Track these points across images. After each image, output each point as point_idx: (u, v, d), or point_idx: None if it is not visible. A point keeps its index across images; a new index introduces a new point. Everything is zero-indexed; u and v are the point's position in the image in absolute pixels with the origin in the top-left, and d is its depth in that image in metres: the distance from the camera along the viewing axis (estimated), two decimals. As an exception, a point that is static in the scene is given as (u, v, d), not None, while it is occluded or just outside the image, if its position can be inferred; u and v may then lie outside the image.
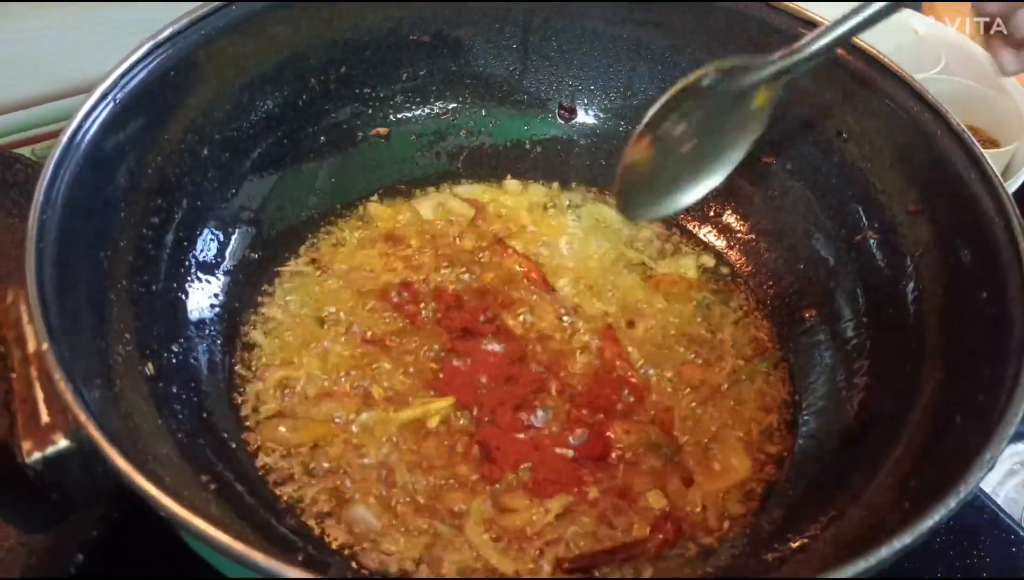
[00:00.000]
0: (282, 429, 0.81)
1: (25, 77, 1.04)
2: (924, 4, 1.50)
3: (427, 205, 1.01)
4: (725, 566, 0.73)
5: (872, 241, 0.87)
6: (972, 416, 0.65)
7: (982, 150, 0.79)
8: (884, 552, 0.53)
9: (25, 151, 1.06)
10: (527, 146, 1.06)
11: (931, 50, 1.34)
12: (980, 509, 0.88)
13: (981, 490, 0.90)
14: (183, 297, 0.84)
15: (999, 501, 0.92)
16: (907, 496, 0.65)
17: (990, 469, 0.58)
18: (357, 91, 0.99)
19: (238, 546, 0.53)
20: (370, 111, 1.01)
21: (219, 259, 0.89)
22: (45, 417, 0.60)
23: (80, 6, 1.02)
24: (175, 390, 0.77)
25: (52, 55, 1.05)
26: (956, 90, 1.24)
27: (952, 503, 0.55)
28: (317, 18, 0.93)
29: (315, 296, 0.92)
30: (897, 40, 0.86)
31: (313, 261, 0.95)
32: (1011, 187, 1.09)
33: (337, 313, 0.90)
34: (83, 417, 0.57)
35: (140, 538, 0.75)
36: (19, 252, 0.65)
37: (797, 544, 0.69)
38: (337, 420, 0.82)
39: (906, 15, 1.38)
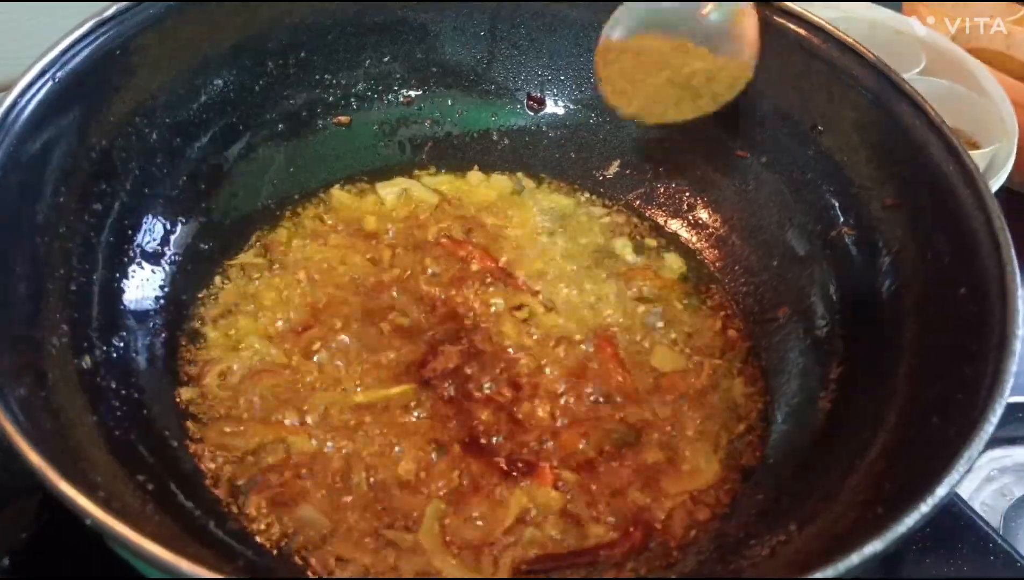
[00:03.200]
0: (227, 430, 0.77)
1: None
2: (905, 5, 1.48)
3: (391, 191, 0.98)
4: (691, 572, 0.70)
5: (848, 237, 0.84)
6: (950, 416, 0.62)
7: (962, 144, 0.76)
8: (855, 559, 0.50)
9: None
10: (494, 137, 1.03)
11: (911, 51, 1.32)
12: (957, 516, 0.85)
13: (958, 496, 0.88)
14: (125, 288, 0.80)
15: (976, 507, 0.90)
16: (881, 500, 0.62)
17: (967, 471, 0.55)
18: (317, 77, 0.96)
19: (160, 553, 0.49)
20: (331, 98, 0.97)
21: (165, 248, 0.85)
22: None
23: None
24: (113, 385, 0.73)
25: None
26: (936, 91, 1.22)
27: (926, 508, 0.53)
28: (277, -2, 0.90)
29: (267, 289, 0.88)
30: (877, 40, 0.84)
31: (267, 252, 0.91)
32: (992, 187, 1.07)
33: (290, 307, 0.86)
34: (-7, 408, 0.54)
35: (72, 542, 0.71)
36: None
37: (766, 550, 0.66)
38: (286, 422, 0.78)
39: (887, 15, 1.37)
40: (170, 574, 0.49)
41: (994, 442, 1.02)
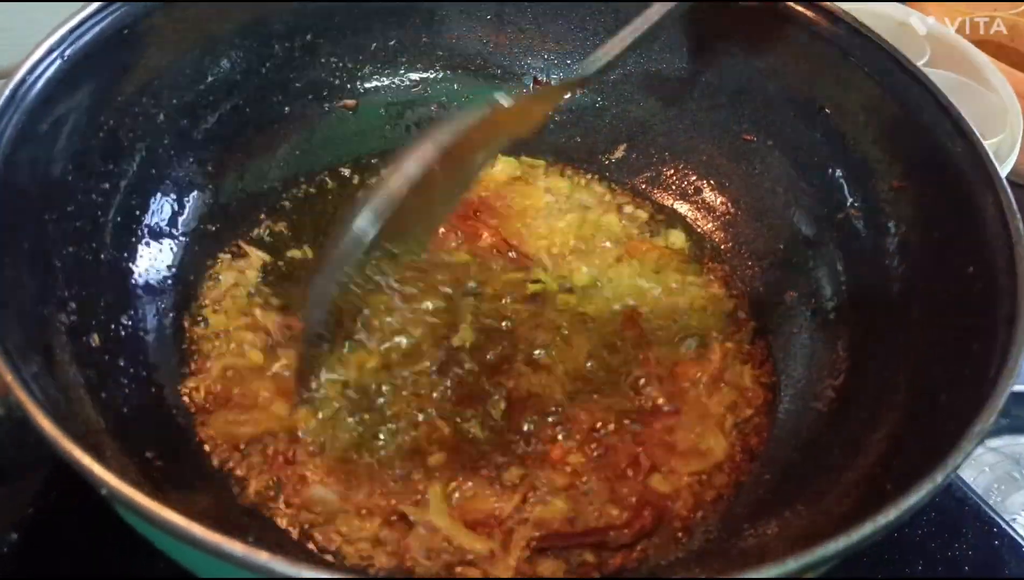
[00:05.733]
0: (230, 418, 0.76)
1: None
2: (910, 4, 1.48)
3: None
4: (698, 550, 0.70)
5: (855, 218, 0.84)
6: (959, 393, 0.62)
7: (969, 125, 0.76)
8: (868, 528, 0.50)
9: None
10: (500, 121, 1.03)
11: (915, 42, 1.32)
12: (962, 501, 0.86)
13: (963, 481, 0.88)
14: (133, 267, 0.80)
15: (980, 494, 0.90)
16: (889, 478, 0.62)
17: (979, 443, 0.54)
18: (324, 60, 0.96)
19: (177, 519, 0.49)
20: (337, 81, 0.97)
21: (172, 229, 0.85)
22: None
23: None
24: (122, 363, 0.73)
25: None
26: (940, 83, 1.20)
27: (940, 478, 0.52)
28: (283, -19, 0.90)
29: (274, 271, 0.87)
30: (881, 31, 0.84)
31: (273, 233, 0.90)
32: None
33: (296, 288, 0.86)
34: (10, 378, 0.54)
35: (78, 519, 0.71)
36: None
37: (773, 529, 0.66)
38: (294, 405, 0.77)
39: (891, 7, 1.37)
40: (183, 540, 0.49)
41: (999, 431, 1.03)
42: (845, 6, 0.88)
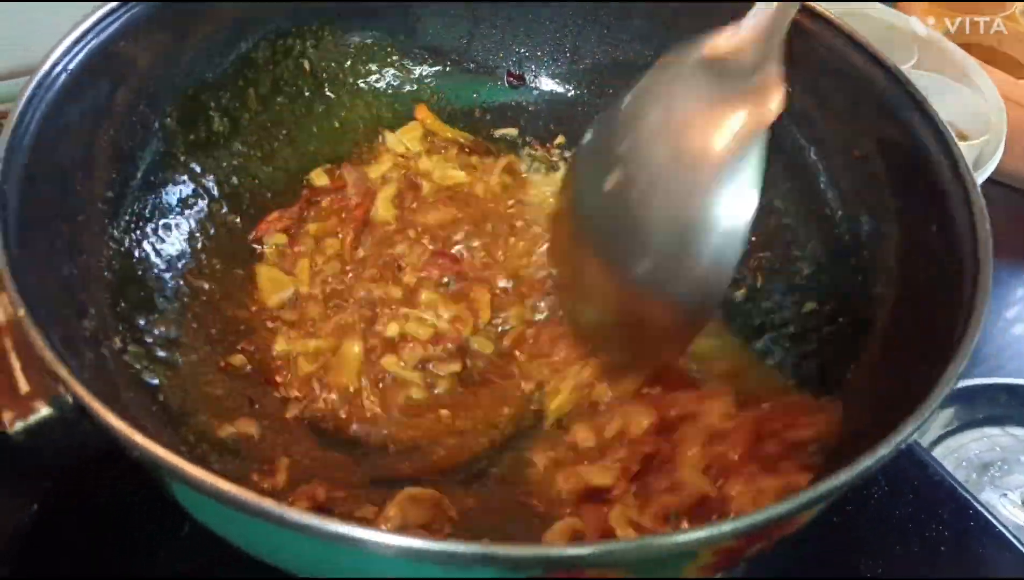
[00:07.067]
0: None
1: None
2: (900, 5, 1.50)
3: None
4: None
5: (830, 208, 0.87)
6: (925, 372, 0.62)
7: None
8: (823, 487, 0.52)
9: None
10: (476, 114, 1.06)
11: (903, 45, 1.34)
12: (939, 483, 0.88)
13: (942, 467, 0.90)
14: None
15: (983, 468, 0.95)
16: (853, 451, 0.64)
17: (933, 413, 0.57)
18: (303, 61, 0.98)
19: (234, 490, 0.50)
20: (317, 80, 1.00)
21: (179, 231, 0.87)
22: (24, 386, 0.58)
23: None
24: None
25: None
26: (928, 85, 1.24)
27: (889, 448, 0.54)
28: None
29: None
30: (869, 34, 0.86)
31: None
32: (979, 179, 1.09)
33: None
34: (64, 373, 0.55)
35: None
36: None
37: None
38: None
39: (879, 10, 1.39)
40: (218, 499, 0.51)
41: (985, 421, 1.05)
42: (832, 7, 0.90)
